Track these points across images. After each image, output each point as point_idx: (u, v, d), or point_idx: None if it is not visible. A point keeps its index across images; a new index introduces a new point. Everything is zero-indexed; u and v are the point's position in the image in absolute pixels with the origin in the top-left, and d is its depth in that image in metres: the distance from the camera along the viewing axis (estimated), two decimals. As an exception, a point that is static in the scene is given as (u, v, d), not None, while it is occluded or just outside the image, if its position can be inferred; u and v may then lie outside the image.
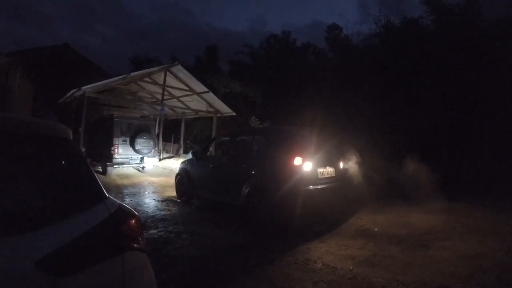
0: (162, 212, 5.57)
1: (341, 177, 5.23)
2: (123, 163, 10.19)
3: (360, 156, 6.50)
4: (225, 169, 5.66)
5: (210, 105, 14.03)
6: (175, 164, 12.59)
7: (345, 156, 5.71)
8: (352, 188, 5.66)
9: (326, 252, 3.72)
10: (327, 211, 4.93)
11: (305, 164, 4.52)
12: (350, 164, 5.85)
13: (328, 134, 5.69)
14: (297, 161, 4.50)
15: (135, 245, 1.51)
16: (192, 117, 16.40)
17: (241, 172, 5.12)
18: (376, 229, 4.63)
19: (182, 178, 6.58)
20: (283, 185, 4.40)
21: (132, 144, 10.20)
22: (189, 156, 7.26)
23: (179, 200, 6.56)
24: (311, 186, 4.58)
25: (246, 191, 4.84)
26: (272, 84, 17.89)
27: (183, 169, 6.67)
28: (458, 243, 3.94)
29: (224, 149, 6.23)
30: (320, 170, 4.79)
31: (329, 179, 4.93)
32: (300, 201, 4.33)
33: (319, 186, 4.70)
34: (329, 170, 4.96)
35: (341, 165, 5.34)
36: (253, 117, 15.12)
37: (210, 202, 6.08)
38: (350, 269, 3.22)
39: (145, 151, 10.50)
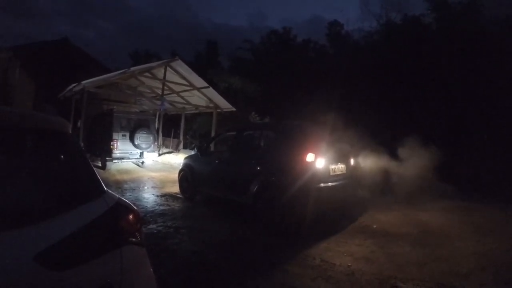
0: (162, 207, 5.57)
1: (351, 174, 5.11)
2: (122, 158, 10.17)
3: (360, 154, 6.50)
4: (232, 165, 5.44)
5: (210, 100, 13.98)
6: (174, 159, 12.60)
7: (355, 152, 5.56)
8: (360, 185, 5.60)
9: (325, 249, 3.73)
10: (332, 209, 4.84)
11: (317, 161, 4.33)
12: (358, 162, 5.78)
13: (338, 130, 5.58)
14: (310, 157, 4.32)
15: (134, 239, 1.51)
16: (192, 112, 16.36)
17: (249, 169, 4.93)
18: (375, 226, 4.65)
19: (186, 174, 6.39)
20: (294, 182, 4.21)
21: (131, 139, 10.17)
22: (190, 151, 7.17)
23: (179, 195, 6.54)
24: (322, 184, 4.40)
25: (255, 188, 4.66)
26: (273, 80, 17.81)
27: (187, 165, 6.48)
28: (457, 241, 3.96)
29: (230, 144, 6.08)
30: (332, 166, 4.63)
31: (341, 176, 4.77)
32: (311, 199, 4.18)
33: (330, 184, 4.54)
34: (340, 167, 4.80)
35: (352, 161, 5.20)
36: (253, 113, 15.08)
37: (213, 199, 6.02)
38: (349, 266, 3.23)
39: (145, 146, 10.48)
